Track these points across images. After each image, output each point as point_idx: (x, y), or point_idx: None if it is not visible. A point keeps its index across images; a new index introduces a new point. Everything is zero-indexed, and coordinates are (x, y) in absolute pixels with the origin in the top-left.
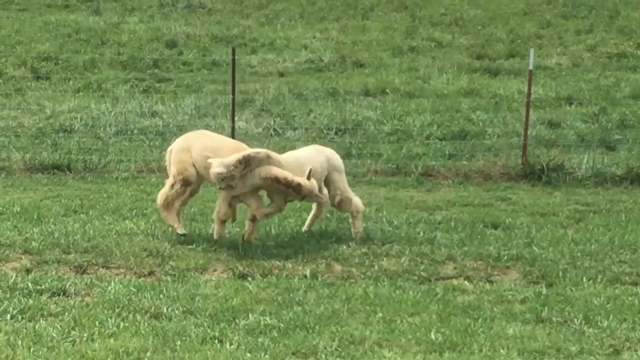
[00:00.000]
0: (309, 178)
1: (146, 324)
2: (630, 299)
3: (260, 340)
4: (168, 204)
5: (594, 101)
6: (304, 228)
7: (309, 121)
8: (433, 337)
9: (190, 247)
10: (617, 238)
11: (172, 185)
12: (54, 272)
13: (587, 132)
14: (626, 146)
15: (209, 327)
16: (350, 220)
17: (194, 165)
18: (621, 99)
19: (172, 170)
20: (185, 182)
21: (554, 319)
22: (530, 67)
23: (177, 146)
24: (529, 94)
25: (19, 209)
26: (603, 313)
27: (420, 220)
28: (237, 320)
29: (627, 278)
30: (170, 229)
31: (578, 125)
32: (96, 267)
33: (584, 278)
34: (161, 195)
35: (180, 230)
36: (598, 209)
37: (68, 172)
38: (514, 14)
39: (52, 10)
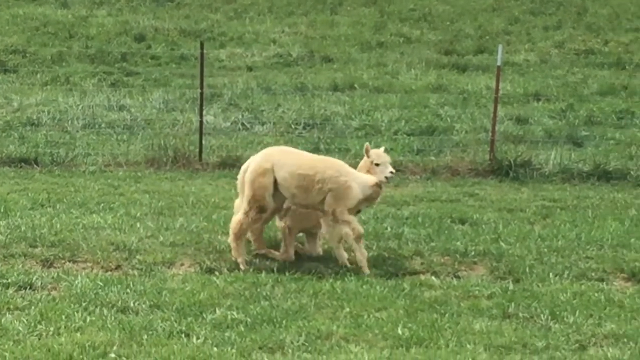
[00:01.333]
0: None
1: (113, 318)
2: (596, 294)
3: (227, 334)
4: (241, 234)
5: (561, 97)
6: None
7: (277, 116)
8: (400, 332)
9: (157, 241)
10: (583, 234)
11: (248, 213)
12: (20, 266)
13: (555, 129)
14: (593, 143)
15: (175, 322)
16: None
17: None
18: (589, 96)
19: (248, 193)
20: (262, 210)
21: (520, 314)
22: (499, 63)
23: (255, 166)
24: (497, 89)
25: None
26: (569, 309)
27: (387, 216)
28: (204, 315)
29: (593, 274)
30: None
31: (545, 121)
32: (63, 261)
33: (551, 274)
34: (235, 222)
35: (243, 266)
36: (565, 205)
37: (35, 166)
38: (483, 10)
39: (20, 3)
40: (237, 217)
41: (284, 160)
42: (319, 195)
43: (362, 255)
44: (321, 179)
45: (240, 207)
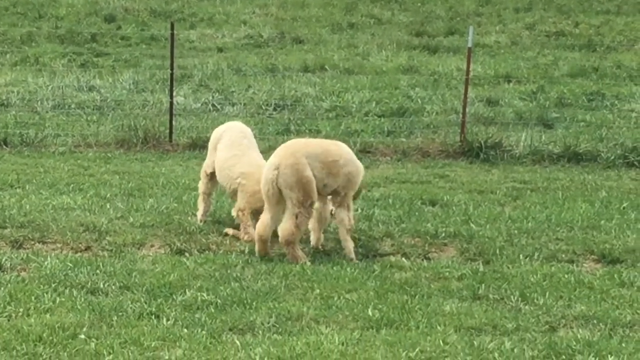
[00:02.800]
0: None
1: (82, 300)
2: (566, 276)
3: (197, 316)
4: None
5: (532, 79)
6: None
7: (247, 97)
8: (370, 313)
9: (127, 222)
10: (553, 216)
11: (297, 215)
12: None
13: (525, 110)
14: (564, 124)
15: (145, 303)
16: None
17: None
18: (559, 78)
19: (292, 195)
20: (312, 205)
21: (490, 296)
22: (469, 45)
23: (285, 166)
24: (468, 71)
25: None
26: (539, 290)
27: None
28: (174, 296)
29: (563, 256)
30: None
31: (516, 103)
32: (32, 242)
33: (521, 255)
34: (287, 230)
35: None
36: (535, 187)
37: (4, 146)
38: None
39: None
40: (287, 225)
41: (310, 150)
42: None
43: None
44: (344, 163)
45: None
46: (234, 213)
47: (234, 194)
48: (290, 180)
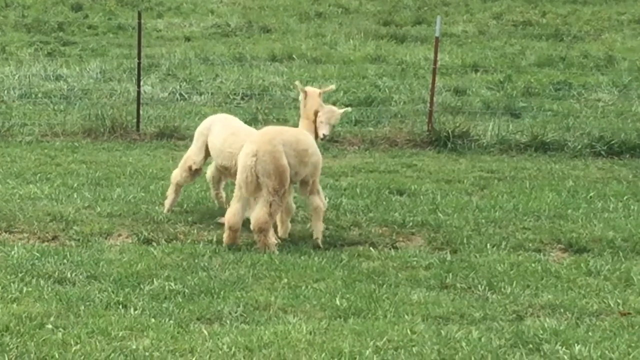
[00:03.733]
0: None
1: (49, 289)
2: (533, 265)
3: (164, 305)
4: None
5: (499, 69)
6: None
7: (215, 86)
8: (338, 302)
9: (94, 212)
10: (521, 205)
11: (271, 203)
12: None
13: (493, 100)
14: (531, 114)
15: (113, 292)
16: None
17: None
18: (526, 67)
19: (268, 183)
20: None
21: (458, 285)
22: (437, 34)
23: (264, 153)
24: (435, 61)
25: None
26: (506, 279)
27: (325, 186)
28: (141, 286)
29: (530, 245)
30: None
31: (483, 92)
32: None
33: (488, 245)
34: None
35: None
36: (502, 176)
37: None
38: None
39: None
40: (261, 213)
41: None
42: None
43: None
44: (312, 152)
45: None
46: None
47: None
48: (269, 167)
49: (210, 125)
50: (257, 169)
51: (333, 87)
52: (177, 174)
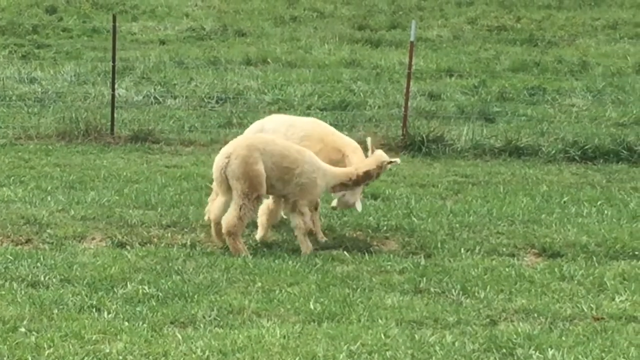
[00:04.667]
0: None
1: (23, 292)
2: (507, 270)
3: (138, 309)
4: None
5: (474, 74)
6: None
7: (189, 90)
8: (312, 306)
9: (68, 215)
10: (495, 210)
11: (241, 207)
12: None
13: (467, 104)
14: (505, 119)
15: (86, 296)
16: None
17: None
18: (501, 72)
19: (237, 186)
20: None
21: (432, 289)
22: (412, 39)
23: (236, 156)
24: (410, 65)
25: None
26: (480, 284)
27: None
28: (115, 289)
29: (504, 249)
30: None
31: (458, 97)
32: None
33: (462, 249)
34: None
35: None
36: (477, 181)
37: None
38: None
39: None
40: (231, 216)
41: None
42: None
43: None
44: (299, 173)
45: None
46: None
47: None
48: (238, 171)
49: (262, 127)
50: (226, 170)
51: (398, 160)
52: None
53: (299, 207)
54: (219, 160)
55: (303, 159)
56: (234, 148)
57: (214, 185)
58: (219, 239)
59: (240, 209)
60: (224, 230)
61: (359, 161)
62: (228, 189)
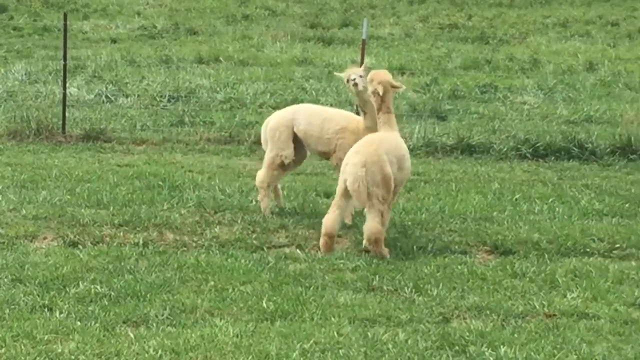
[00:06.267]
0: None
1: None
2: (459, 267)
3: (90, 308)
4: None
5: (425, 71)
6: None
7: (141, 88)
8: (265, 305)
9: (19, 214)
10: (447, 207)
11: (383, 213)
12: None
13: (419, 102)
14: (457, 116)
15: (38, 296)
16: None
17: None
18: (452, 70)
19: (377, 193)
20: None
21: (384, 287)
22: (364, 37)
23: (372, 164)
24: (362, 63)
25: None
26: (433, 281)
27: (252, 189)
28: (67, 289)
29: (456, 247)
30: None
31: (410, 95)
32: None
33: (415, 247)
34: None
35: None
36: (429, 179)
37: None
38: None
39: None
40: (374, 223)
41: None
42: None
43: None
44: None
45: None
46: (333, 162)
47: (335, 149)
48: (378, 177)
49: (293, 117)
50: (367, 179)
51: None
52: (264, 176)
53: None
54: (354, 171)
55: (402, 142)
56: (364, 156)
57: (338, 200)
58: (328, 251)
59: (382, 215)
60: (368, 238)
61: None
62: (367, 197)
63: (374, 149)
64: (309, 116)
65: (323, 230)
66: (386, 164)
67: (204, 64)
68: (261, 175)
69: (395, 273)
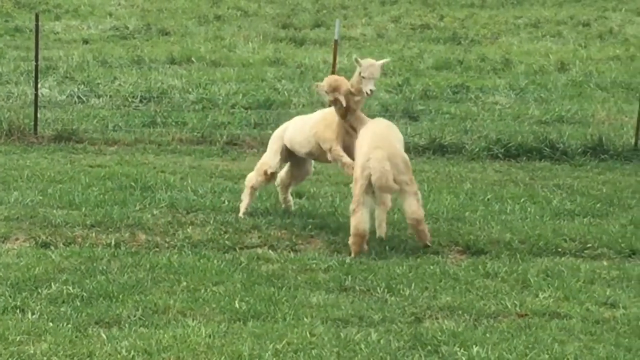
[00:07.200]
0: None
1: None
2: (431, 267)
3: (62, 309)
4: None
5: (397, 72)
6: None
7: (113, 89)
8: (237, 305)
9: None
10: None
11: (416, 192)
12: None
13: (391, 103)
14: (429, 117)
15: (10, 297)
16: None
17: None
18: (424, 70)
19: (404, 178)
20: None
21: (357, 287)
22: (336, 37)
23: (393, 155)
24: (334, 64)
25: None
26: (405, 282)
27: (225, 189)
28: (39, 290)
29: (428, 247)
30: None
31: (382, 95)
32: None
33: (387, 247)
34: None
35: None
36: None
37: None
38: None
39: None
40: (414, 205)
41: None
42: None
43: None
44: None
45: None
46: (326, 147)
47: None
48: (400, 165)
49: (285, 128)
50: (393, 172)
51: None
52: (252, 178)
53: None
54: (383, 168)
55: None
56: (382, 152)
57: (360, 197)
58: (360, 252)
59: (417, 194)
60: (413, 221)
61: None
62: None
63: (389, 141)
64: (294, 123)
65: (354, 230)
66: (402, 150)
67: (176, 64)
68: (250, 176)
69: (367, 273)
